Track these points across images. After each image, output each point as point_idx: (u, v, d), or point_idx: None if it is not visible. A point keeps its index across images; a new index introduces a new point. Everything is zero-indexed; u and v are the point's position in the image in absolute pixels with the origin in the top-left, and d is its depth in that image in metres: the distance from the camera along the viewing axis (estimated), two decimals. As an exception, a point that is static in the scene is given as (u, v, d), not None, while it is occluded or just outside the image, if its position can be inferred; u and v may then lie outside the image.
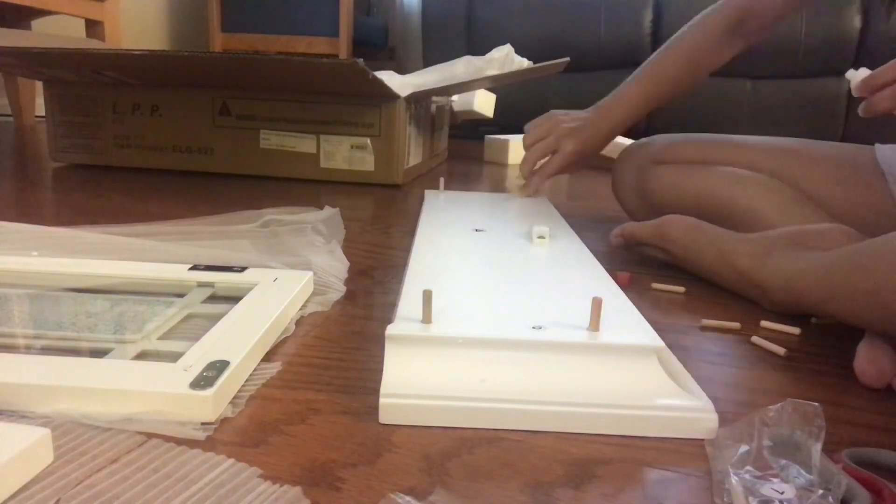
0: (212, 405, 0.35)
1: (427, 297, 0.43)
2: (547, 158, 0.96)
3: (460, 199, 0.96)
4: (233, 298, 0.51)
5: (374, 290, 0.61)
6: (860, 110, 0.60)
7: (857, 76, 0.60)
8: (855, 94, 0.60)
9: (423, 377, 0.39)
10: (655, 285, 0.67)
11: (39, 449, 0.31)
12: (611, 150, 1.72)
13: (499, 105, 1.99)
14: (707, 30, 0.87)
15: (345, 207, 0.97)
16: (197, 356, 0.39)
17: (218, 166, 1.25)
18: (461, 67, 1.49)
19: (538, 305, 0.48)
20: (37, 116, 2.02)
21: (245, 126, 1.23)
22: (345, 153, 1.22)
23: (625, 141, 1.69)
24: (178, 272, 0.56)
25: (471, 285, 0.52)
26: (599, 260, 0.63)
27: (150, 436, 0.34)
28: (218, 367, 0.38)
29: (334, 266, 0.65)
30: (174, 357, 0.39)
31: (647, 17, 2.21)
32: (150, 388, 0.36)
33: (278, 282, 0.54)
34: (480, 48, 1.62)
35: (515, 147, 1.73)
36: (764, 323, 0.57)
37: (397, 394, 0.37)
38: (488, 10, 2.34)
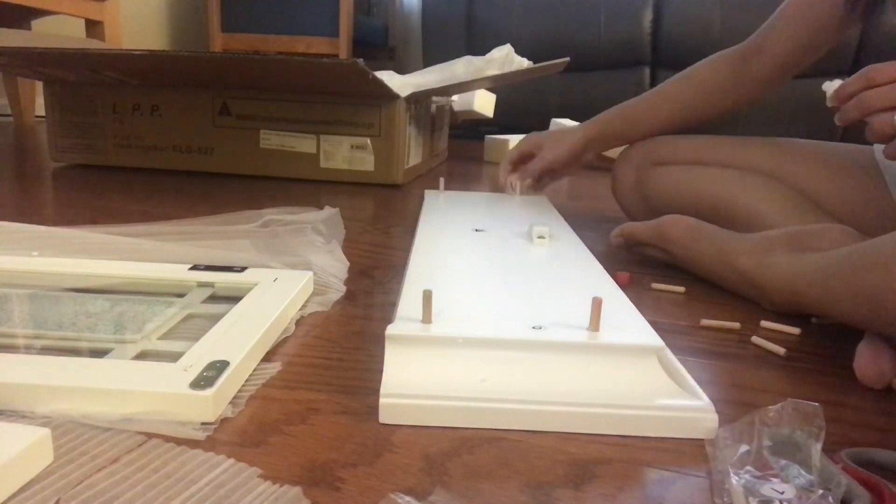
0: (212, 405, 0.35)
1: (427, 297, 0.43)
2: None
3: (460, 198, 0.96)
4: (233, 298, 0.51)
5: (374, 290, 0.61)
6: (836, 119, 0.62)
7: (831, 87, 0.62)
8: (829, 104, 0.62)
9: (423, 377, 0.39)
10: (655, 285, 0.67)
11: (39, 449, 0.31)
12: (611, 150, 1.72)
13: (499, 105, 1.99)
14: (714, 66, 0.85)
15: (345, 207, 0.97)
16: (197, 356, 0.39)
17: (218, 166, 1.25)
18: (461, 67, 1.49)
19: (538, 305, 0.48)
20: (37, 116, 2.02)
21: (245, 126, 1.23)
22: (345, 153, 1.22)
23: (625, 141, 1.69)
24: (178, 272, 0.56)
25: (471, 285, 0.52)
26: (599, 260, 0.63)
27: (150, 436, 0.34)
28: (218, 367, 0.38)
29: (334, 266, 0.65)
30: (174, 357, 0.39)
31: (647, 17, 2.21)
32: (150, 388, 0.36)
33: (278, 282, 0.54)
34: (480, 48, 1.62)
35: (515, 147, 1.73)
36: (764, 323, 0.57)
37: (397, 394, 0.37)
38: (488, 10, 2.34)
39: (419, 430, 0.37)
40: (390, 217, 0.96)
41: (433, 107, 1.48)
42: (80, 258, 0.59)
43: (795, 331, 0.56)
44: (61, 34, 1.96)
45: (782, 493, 0.30)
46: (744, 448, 0.33)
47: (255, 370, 0.42)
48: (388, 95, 1.17)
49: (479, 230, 0.73)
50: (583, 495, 0.31)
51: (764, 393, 0.44)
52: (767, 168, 0.79)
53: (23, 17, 1.89)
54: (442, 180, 1.03)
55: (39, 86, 1.44)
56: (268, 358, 0.44)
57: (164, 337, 0.46)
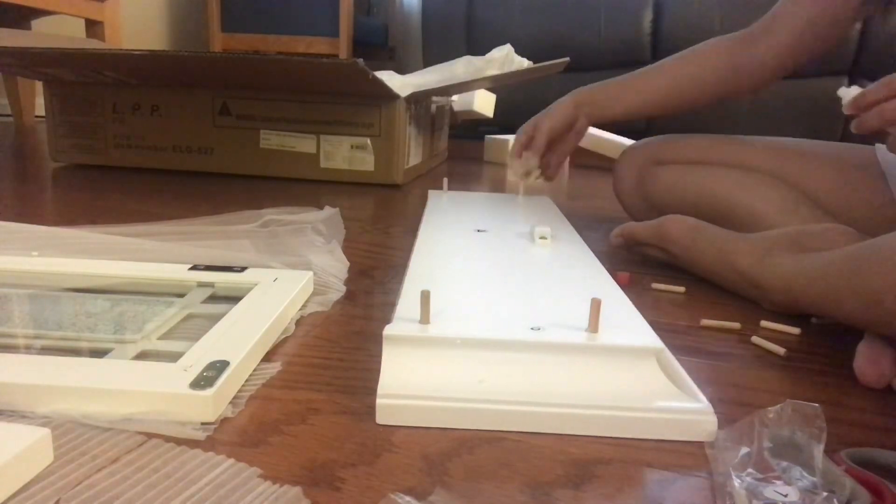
0: (212, 405, 0.35)
1: (425, 297, 0.43)
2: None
3: (463, 199, 0.96)
4: (233, 298, 0.51)
5: (374, 290, 0.61)
6: (852, 127, 0.61)
7: (848, 94, 0.61)
8: (846, 111, 0.61)
9: (420, 378, 0.39)
10: (655, 285, 0.67)
11: (39, 449, 0.31)
12: (611, 150, 1.72)
13: (499, 105, 1.99)
14: (717, 46, 0.85)
15: (345, 207, 0.97)
16: (197, 356, 0.39)
17: (218, 166, 1.25)
18: (461, 67, 1.49)
19: (537, 306, 0.48)
20: (37, 116, 2.02)
21: (245, 126, 1.23)
22: (345, 153, 1.22)
23: (625, 141, 1.69)
24: (178, 272, 0.56)
25: (471, 286, 0.52)
26: (600, 260, 0.63)
27: (150, 436, 0.34)
28: (218, 367, 0.38)
29: (334, 266, 0.65)
30: (174, 357, 0.39)
31: (647, 17, 2.21)
32: (150, 388, 0.36)
33: (278, 282, 0.54)
34: (480, 48, 1.62)
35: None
36: (764, 323, 0.57)
37: (394, 394, 0.37)
38: (488, 10, 2.34)
39: (419, 431, 0.37)
40: (390, 217, 0.96)
41: (433, 107, 1.48)
42: (80, 258, 0.59)
43: (795, 331, 0.56)
44: (61, 34, 1.96)
45: (786, 495, 0.30)
46: (744, 450, 0.33)
47: (255, 370, 0.42)
48: (388, 95, 1.17)
49: (482, 231, 0.73)
50: (583, 495, 0.31)
51: (764, 393, 0.44)
52: (768, 168, 0.79)
53: (23, 17, 1.89)
54: (445, 181, 1.03)
55: (39, 86, 1.44)
56: (268, 358, 0.44)
57: (164, 337, 0.46)
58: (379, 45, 2.94)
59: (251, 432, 0.35)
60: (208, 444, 0.34)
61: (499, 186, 1.34)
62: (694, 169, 0.83)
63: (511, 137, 1.74)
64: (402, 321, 0.43)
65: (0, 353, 0.39)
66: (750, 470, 0.32)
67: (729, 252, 0.64)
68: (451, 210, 0.85)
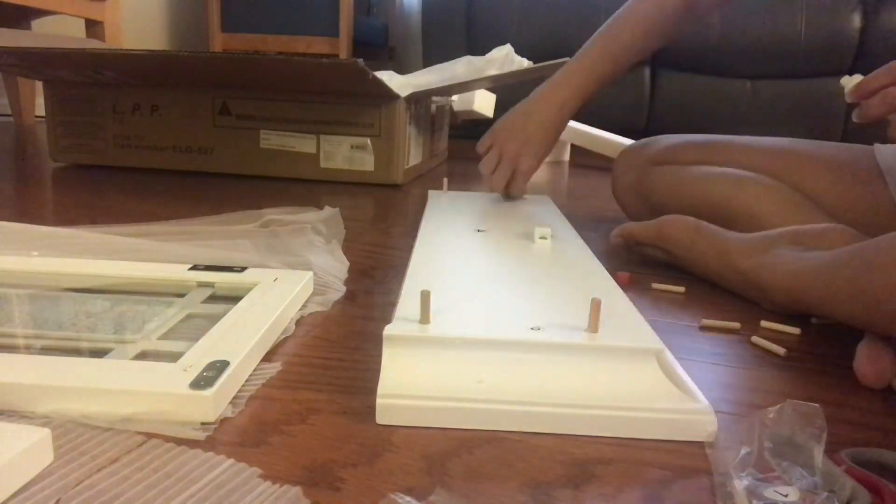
0: (212, 405, 0.35)
1: (425, 297, 0.43)
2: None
3: (463, 199, 0.96)
4: (233, 298, 0.51)
5: (374, 290, 0.61)
6: (854, 116, 0.61)
7: (850, 81, 0.60)
8: (848, 100, 0.61)
9: (420, 378, 0.39)
10: (655, 285, 0.67)
11: (39, 449, 0.31)
12: (611, 150, 1.72)
13: (499, 105, 1.99)
14: (662, 3, 0.88)
15: (345, 207, 0.97)
16: (197, 356, 0.39)
17: (218, 166, 1.25)
18: (461, 67, 1.49)
19: (537, 306, 0.48)
20: (37, 116, 2.02)
21: (245, 126, 1.23)
22: (345, 153, 1.22)
23: (624, 141, 1.69)
24: (178, 272, 0.56)
25: (471, 286, 0.52)
26: (599, 260, 0.63)
27: (150, 436, 0.34)
28: (218, 367, 0.38)
29: (334, 266, 0.65)
30: (174, 357, 0.39)
31: (647, 17, 2.20)
32: (150, 388, 0.36)
33: (278, 282, 0.54)
34: (480, 48, 1.62)
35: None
36: (764, 323, 0.57)
37: (394, 394, 0.37)
38: (488, 10, 2.34)
39: (419, 430, 0.37)
40: (390, 217, 0.96)
41: (433, 107, 1.48)
42: (80, 258, 0.59)
43: (795, 331, 0.56)
44: (61, 34, 1.96)
45: (786, 495, 0.30)
46: (744, 450, 0.33)
47: (255, 370, 0.42)
48: (388, 95, 1.17)
49: (482, 231, 0.73)
50: (583, 495, 0.31)
51: (764, 393, 0.44)
52: (767, 168, 0.79)
53: (23, 17, 1.89)
54: (445, 181, 1.03)
55: (39, 86, 1.44)
56: (268, 358, 0.44)
57: (164, 337, 0.46)
58: (379, 45, 2.94)
59: (251, 432, 0.35)
60: (208, 445, 0.34)
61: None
62: (693, 169, 0.83)
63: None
64: (402, 321, 0.43)
65: (0, 353, 0.39)
66: (750, 470, 0.32)
67: (729, 252, 0.64)
68: (451, 210, 0.85)
